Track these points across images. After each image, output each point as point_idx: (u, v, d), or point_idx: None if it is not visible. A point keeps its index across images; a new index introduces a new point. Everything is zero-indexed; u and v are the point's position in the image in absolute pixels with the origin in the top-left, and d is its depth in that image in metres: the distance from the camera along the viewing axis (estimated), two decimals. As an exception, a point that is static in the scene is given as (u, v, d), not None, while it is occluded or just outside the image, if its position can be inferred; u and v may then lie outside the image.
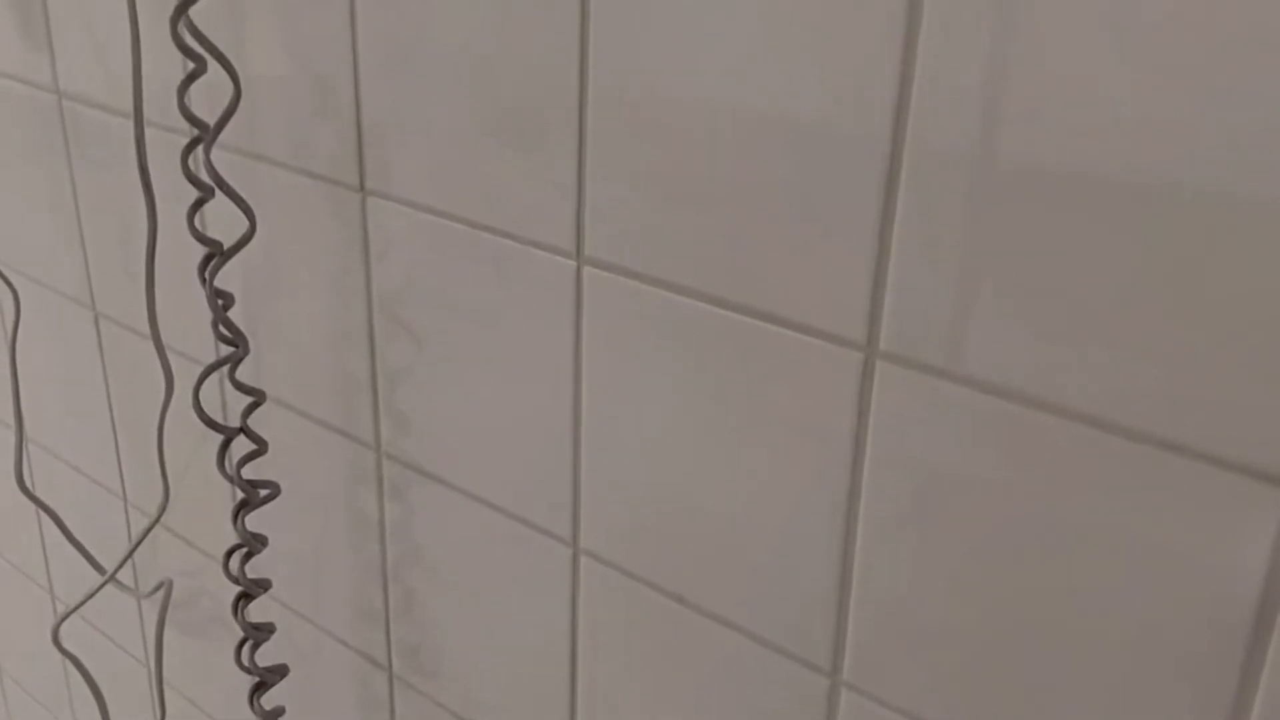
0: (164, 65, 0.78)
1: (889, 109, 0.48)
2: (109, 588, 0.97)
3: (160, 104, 0.81)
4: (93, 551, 1.03)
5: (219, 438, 0.76)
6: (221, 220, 0.79)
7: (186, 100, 0.66)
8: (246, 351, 0.74)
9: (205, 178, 0.69)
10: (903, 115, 0.48)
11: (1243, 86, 0.40)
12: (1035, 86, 0.44)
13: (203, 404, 0.74)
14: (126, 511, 1.06)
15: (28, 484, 1.00)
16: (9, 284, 0.97)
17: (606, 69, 0.57)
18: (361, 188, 0.71)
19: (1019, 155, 0.45)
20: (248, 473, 0.78)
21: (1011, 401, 0.48)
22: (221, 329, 0.73)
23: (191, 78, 0.66)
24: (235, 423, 0.78)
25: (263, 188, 0.77)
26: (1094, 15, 0.42)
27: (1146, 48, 0.41)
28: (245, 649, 0.80)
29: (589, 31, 0.57)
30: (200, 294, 0.74)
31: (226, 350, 0.75)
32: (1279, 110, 0.39)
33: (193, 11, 0.65)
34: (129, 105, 0.84)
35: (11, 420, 1.09)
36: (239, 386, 0.75)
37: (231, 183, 0.74)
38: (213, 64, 0.67)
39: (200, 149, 0.68)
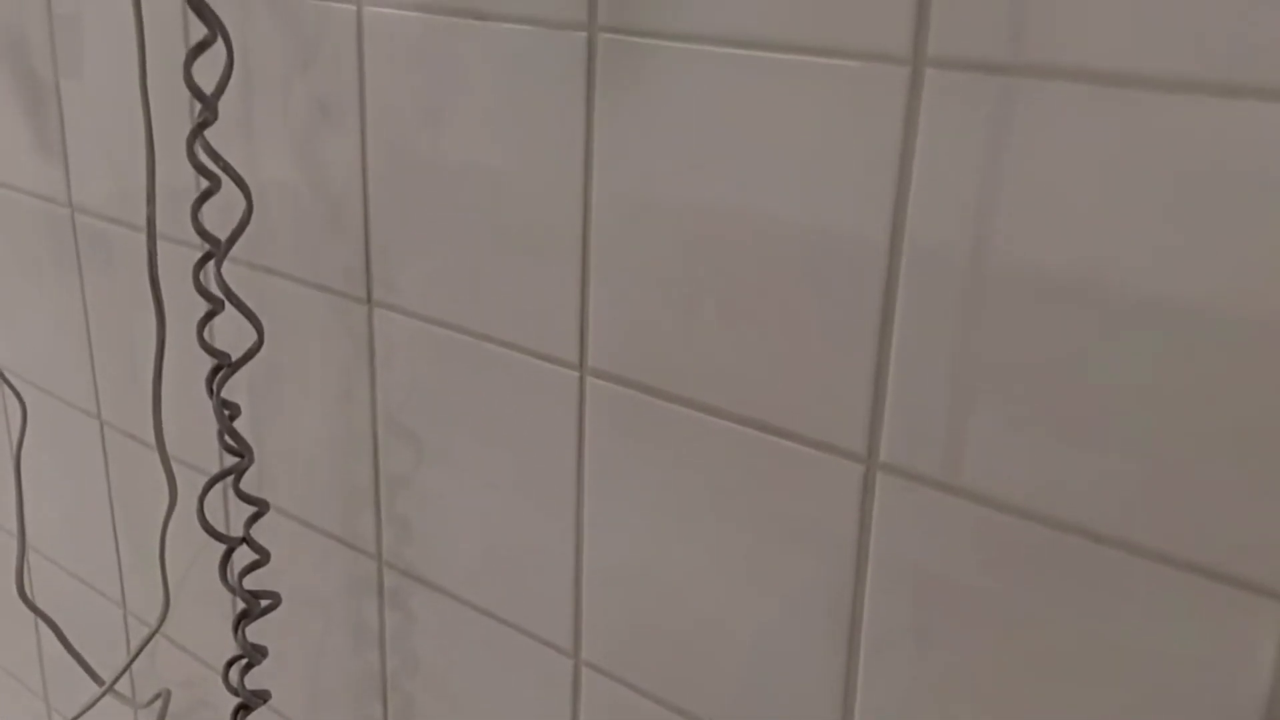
0: (177, 180, 0.81)
1: (886, 222, 0.50)
2: (107, 698, 0.96)
3: (172, 217, 0.83)
4: (90, 660, 1.01)
5: (221, 547, 0.76)
6: (229, 330, 0.80)
7: (200, 217, 0.68)
8: (251, 461, 0.75)
9: (216, 291, 0.70)
10: (899, 229, 0.49)
11: (1232, 213, 0.41)
12: (1027, 202, 0.46)
13: (206, 513, 0.74)
14: (126, 620, 1.05)
15: (27, 592, 0.99)
16: (16, 393, 0.98)
17: (610, 183, 0.59)
18: (369, 300, 0.73)
19: (1013, 271, 0.46)
20: (249, 583, 0.78)
21: (1010, 514, 0.49)
22: (227, 439, 0.74)
23: (205, 195, 0.68)
24: (238, 532, 0.78)
25: (271, 299, 0.78)
26: (1088, 143, 0.44)
27: (1138, 175, 0.43)
28: (242, 763, 0.79)
29: (593, 146, 0.59)
30: (206, 403, 0.74)
31: (231, 460, 0.75)
32: (1265, 230, 0.41)
33: (208, 130, 0.67)
34: (142, 219, 0.86)
35: (14, 528, 1.09)
36: (243, 497, 0.75)
37: (240, 294, 0.76)
38: (226, 180, 0.69)
39: (211, 264, 0.70)
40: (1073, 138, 0.44)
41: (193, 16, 0.68)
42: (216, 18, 0.67)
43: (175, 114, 0.80)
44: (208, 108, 0.67)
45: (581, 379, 0.63)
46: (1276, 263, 0.40)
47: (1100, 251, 0.44)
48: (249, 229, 0.74)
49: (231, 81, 0.72)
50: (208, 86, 0.70)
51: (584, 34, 0.57)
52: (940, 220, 0.48)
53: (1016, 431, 0.48)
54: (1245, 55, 0.40)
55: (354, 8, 0.67)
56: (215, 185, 0.68)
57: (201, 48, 0.66)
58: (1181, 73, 0.41)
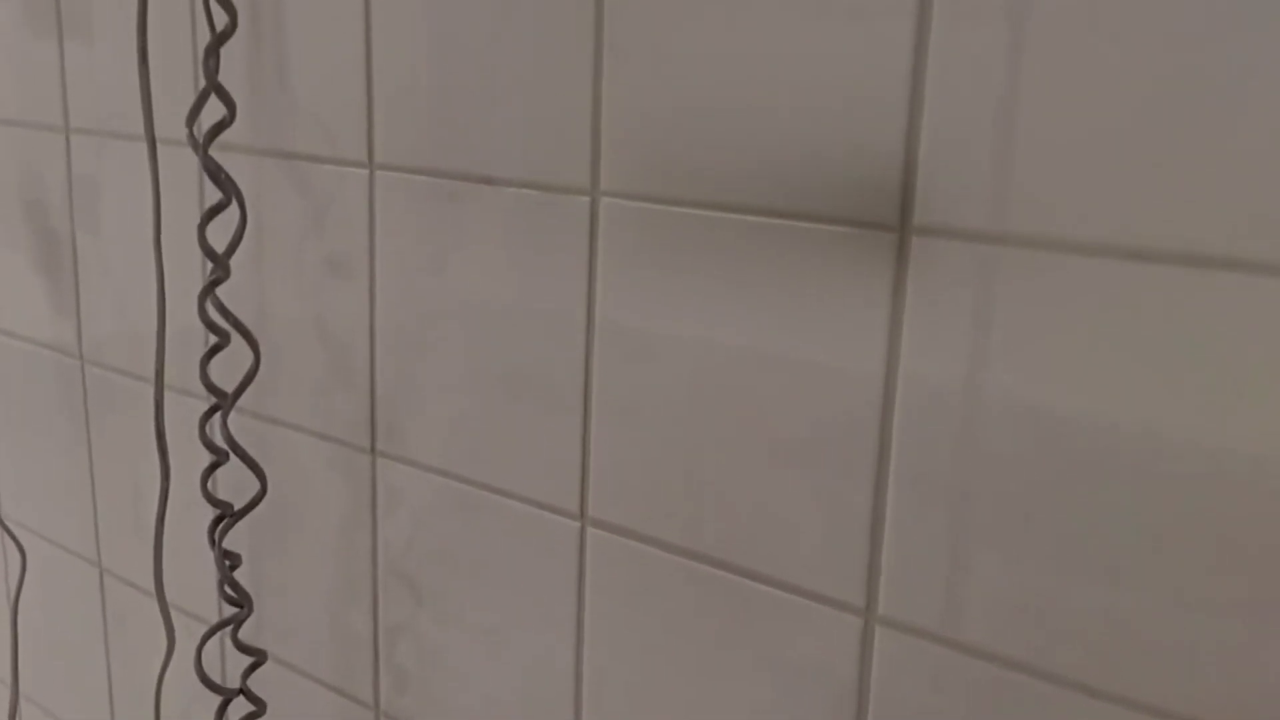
0: (187, 332, 0.83)
1: (878, 396, 0.51)
2: None
3: (181, 369, 0.84)
4: (77, 818, 0.99)
5: (217, 697, 0.75)
6: (232, 479, 0.81)
7: (208, 371, 0.70)
8: (250, 611, 0.75)
9: (221, 443, 0.71)
10: (890, 398, 0.51)
11: (1211, 368, 0.43)
12: (1017, 379, 0.47)
13: (203, 662, 0.74)
14: (115, 773, 1.03)
15: (17, 746, 0.97)
16: (16, 541, 0.98)
17: (611, 341, 0.60)
18: (372, 450, 0.74)
19: (1003, 430, 0.48)
20: (245, 736, 0.77)
21: (1006, 668, 0.49)
22: (227, 589, 0.74)
23: (214, 350, 0.70)
24: (234, 681, 0.77)
25: (275, 448, 0.80)
26: (1070, 305, 0.46)
27: (1121, 322, 0.45)
28: None
29: (594, 305, 0.61)
30: (207, 551, 0.75)
31: (231, 610, 0.75)
32: (1235, 382, 0.42)
33: (219, 287, 0.69)
34: (151, 370, 0.88)
35: (8, 677, 1.07)
36: (241, 647, 0.75)
37: (245, 444, 0.77)
38: (235, 334, 0.71)
39: (218, 416, 0.71)
40: (1055, 301, 0.46)
41: (208, 178, 0.71)
42: (232, 183, 0.70)
43: (188, 269, 0.82)
44: (219, 266, 0.69)
45: (582, 529, 0.64)
46: (1251, 410, 0.42)
47: (1096, 403, 0.45)
48: (256, 379, 0.76)
49: (244, 238, 0.75)
50: (221, 243, 0.73)
51: (587, 199, 0.60)
52: (929, 403, 0.50)
53: (1011, 585, 0.48)
54: (1219, 230, 0.42)
55: (366, 172, 0.70)
56: (224, 340, 0.70)
57: (216, 211, 0.69)
58: (1154, 245, 0.43)
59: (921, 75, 0.48)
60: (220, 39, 0.66)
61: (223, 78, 0.71)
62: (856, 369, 0.52)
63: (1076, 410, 0.46)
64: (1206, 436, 0.43)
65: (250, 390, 0.79)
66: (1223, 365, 0.43)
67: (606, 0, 0.57)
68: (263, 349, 0.75)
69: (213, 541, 0.74)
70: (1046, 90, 0.45)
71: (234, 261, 0.78)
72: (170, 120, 0.80)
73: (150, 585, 0.92)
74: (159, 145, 0.77)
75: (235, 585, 0.74)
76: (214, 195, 0.75)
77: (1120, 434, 0.45)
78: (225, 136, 0.75)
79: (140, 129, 0.80)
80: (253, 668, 0.77)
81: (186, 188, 0.81)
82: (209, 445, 0.72)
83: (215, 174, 0.68)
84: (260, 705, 0.77)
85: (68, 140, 0.90)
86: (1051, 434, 0.47)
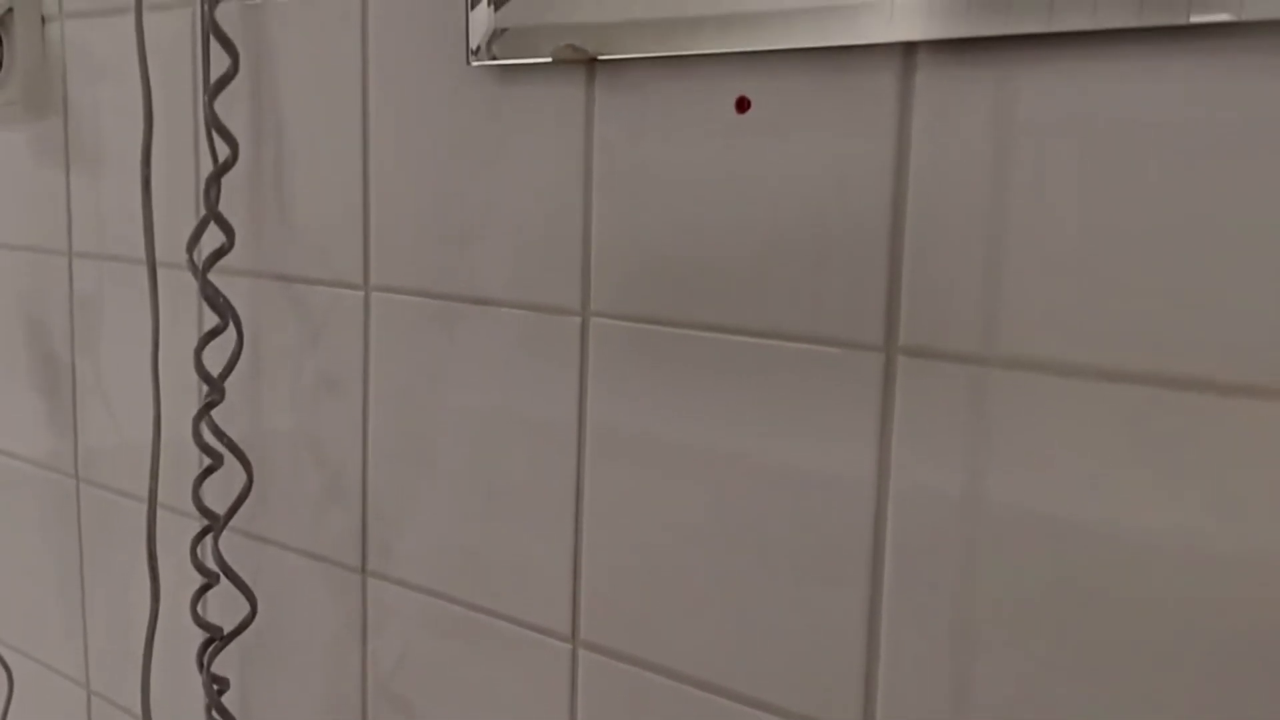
0: (182, 453, 0.83)
1: (870, 509, 0.51)
2: None
3: (174, 488, 0.84)
4: None
5: (203, 831, 0.74)
6: (222, 599, 0.80)
7: (201, 492, 0.70)
8: (238, 738, 0.73)
9: (212, 565, 0.71)
10: (882, 511, 0.51)
11: (1202, 476, 0.43)
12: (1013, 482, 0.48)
13: (189, 795, 0.72)
14: None
15: None
16: (3, 663, 0.97)
17: (602, 452, 0.61)
18: (363, 569, 0.73)
19: (998, 540, 0.48)
20: None
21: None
22: (215, 715, 0.73)
23: (208, 471, 0.70)
24: (220, 812, 0.76)
25: (266, 568, 0.79)
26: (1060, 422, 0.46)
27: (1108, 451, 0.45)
28: None
29: (586, 424, 0.61)
30: (195, 675, 0.74)
31: (218, 737, 0.74)
32: (1217, 484, 0.42)
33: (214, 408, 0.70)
34: (144, 489, 0.88)
35: (-14, 806, 1.05)
36: (228, 775, 0.73)
37: (236, 564, 0.77)
38: (229, 454, 0.71)
39: (209, 538, 0.71)
40: (1042, 419, 0.46)
41: (206, 303, 0.72)
42: (230, 307, 0.71)
43: (184, 390, 0.83)
44: (215, 390, 0.70)
45: (574, 652, 0.63)
46: (1238, 518, 0.42)
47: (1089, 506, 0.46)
48: (248, 498, 0.76)
49: (241, 358, 0.76)
50: (217, 364, 0.74)
51: (578, 319, 0.61)
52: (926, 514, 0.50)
53: (1014, 693, 0.48)
54: (1208, 353, 0.43)
55: (361, 294, 0.71)
56: (218, 462, 0.70)
57: (213, 335, 0.70)
58: (1137, 367, 0.44)
59: (903, 198, 0.49)
60: (222, 170, 0.68)
61: (223, 203, 0.73)
62: (848, 481, 0.52)
63: (1074, 520, 0.46)
64: (1199, 544, 0.43)
65: (243, 509, 0.79)
66: (1209, 478, 0.43)
67: (596, 139, 0.59)
68: (256, 468, 0.76)
69: (201, 665, 0.73)
70: (1030, 220, 0.46)
71: (230, 382, 0.79)
72: (171, 245, 0.82)
73: (138, 708, 0.90)
74: (159, 269, 0.79)
75: (224, 711, 0.73)
76: (211, 318, 0.76)
77: (1117, 543, 0.45)
78: (224, 260, 0.77)
79: (141, 253, 0.82)
80: (239, 797, 0.75)
81: (185, 310, 0.82)
82: (200, 568, 0.72)
83: (213, 300, 0.69)
84: (246, 836, 0.75)
85: (70, 264, 0.92)
86: (1050, 543, 0.47)
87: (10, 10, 0.85)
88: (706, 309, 0.56)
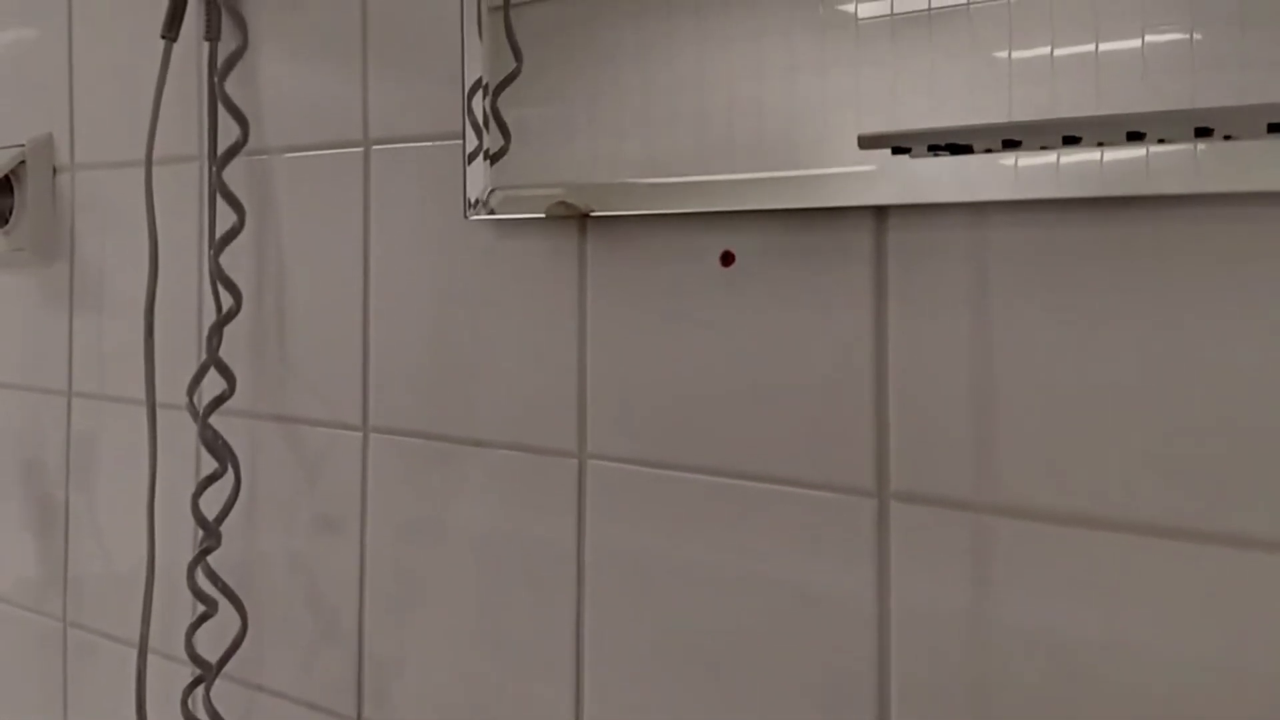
0: (175, 599, 0.82)
1: (873, 639, 0.52)
2: None
3: (166, 634, 0.83)
4: None
5: None
6: (213, 749, 0.79)
7: (194, 641, 0.69)
8: None
9: (203, 716, 0.70)
10: (885, 641, 0.51)
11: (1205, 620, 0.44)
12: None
13: None
14: None
15: None
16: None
17: (600, 588, 0.61)
18: (358, 717, 0.72)
19: (995, 665, 0.48)
20: None
21: None
22: None
23: (202, 618, 0.70)
24: None
25: (259, 718, 0.78)
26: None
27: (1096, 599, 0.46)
28: None
29: (584, 551, 0.61)
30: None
31: None
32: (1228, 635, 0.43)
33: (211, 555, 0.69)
34: (134, 634, 0.87)
35: None
36: None
37: (227, 714, 0.75)
38: (223, 600, 0.71)
39: (201, 688, 0.70)
40: (1033, 561, 0.47)
41: (205, 448, 0.73)
42: (229, 450, 0.72)
43: (179, 533, 0.83)
44: (210, 535, 0.70)
45: (571, 803, 0.62)
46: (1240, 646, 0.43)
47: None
48: (242, 644, 0.76)
49: (238, 500, 0.76)
50: (214, 506, 0.74)
51: (575, 461, 0.62)
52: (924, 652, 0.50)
53: None
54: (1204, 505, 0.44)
55: (360, 434, 0.72)
56: (212, 609, 0.70)
57: (211, 480, 0.70)
58: (1129, 517, 0.45)
59: (884, 350, 0.51)
60: (225, 319, 0.70)
61: (225, 348, 0.74)
62: (849, 609, 0.52)
63: (1073, 658, 0.46)
64: (1201, 678, 0.43)
65: (236, 656, 0.78)
66: (1198, 619, 0.44)
67: (589, 290, 0.61)
68: (250, 613, 0.75)
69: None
70: (1012, 372, 0.48)
71: (226, 524, 0.79)
72: (171, 387, 0.83)
73: None
74: (159, 410, 0.79)
75: None
76: (210, 461, 0.77)
77: (1117, 681, 0.45)
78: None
79: (141, 394, 0.82)
80: None
81: (183, 451, 0.83)
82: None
83: (212, 445, 0.70)
84: None
85: (69, 404, 0.93)
86: (1050, 679, 0.47)
87: (23, 162, 0.87)
88: (700, 453, 0.57)
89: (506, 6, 0.61)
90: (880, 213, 0.51)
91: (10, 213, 0.89)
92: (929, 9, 0.48)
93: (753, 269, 0.55)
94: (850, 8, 0.50)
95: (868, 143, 0.50)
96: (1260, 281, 0.43)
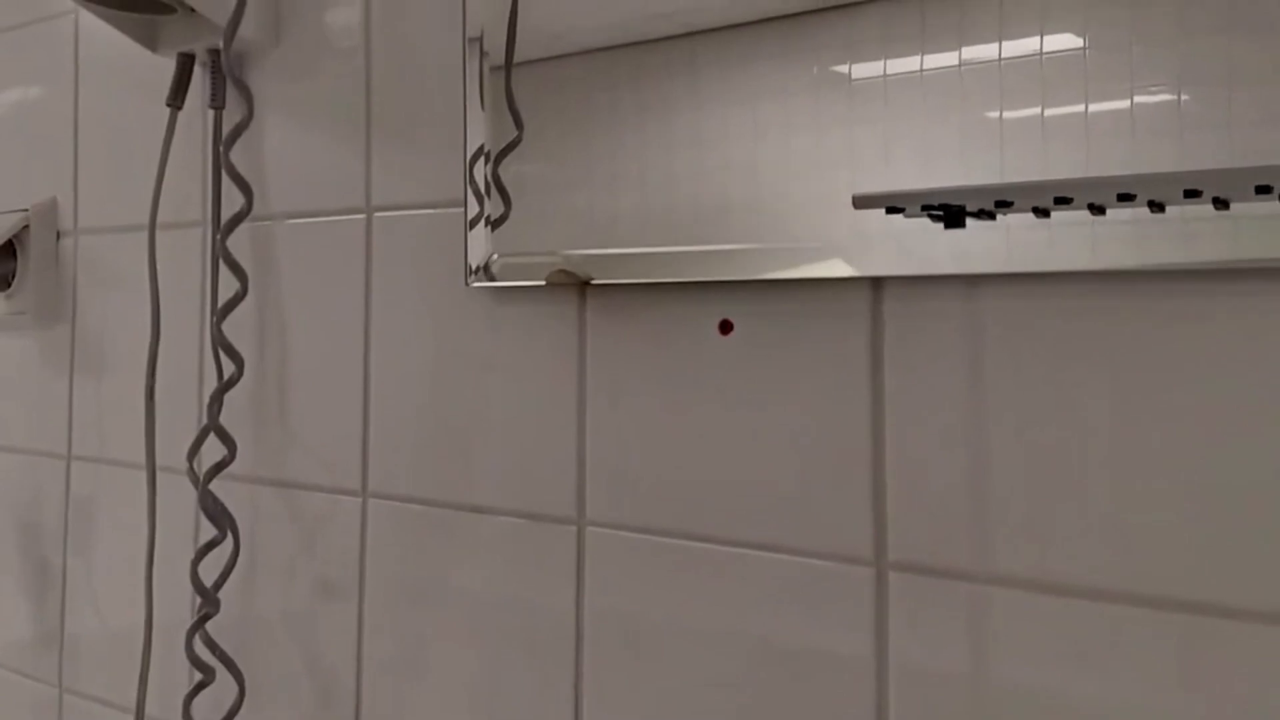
0: (173, 666, 0.82)
1: (871, 700, 0.51)
2: None
3: (163, 702, 0.83)
4: None
5: None
6: (209, 819, 0.77)
7: (191, 709, 0.69)
8: None
9: (199, 784, 0.69)
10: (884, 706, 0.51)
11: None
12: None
13: None
14: None
15: None
16: None
17: (599, 653, 0.60)
18: (354, 786, 0.71)
19: (992, 768, 0.47)
20: None
21: None
22: None
23: (199, 687, 0.69)
24: None
25: (254, 785, 0.77)
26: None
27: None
28: None
29: (583, 617, 0.61)
30: None
31: None
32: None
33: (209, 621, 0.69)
34: (131, 699, 0.86)
35: None
36: None
37: (223, 783, 0.74)
38: (220, 668, 0.70)
39: (198, 756, 0.69)
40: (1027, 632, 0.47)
41: (204, 515, 0.72)
42: (228, 516, 0.71)
43: (177, 599, 0.82)
44: (209, 602, 0.69)
45: None
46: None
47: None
48: (239, 713, 0.75)
49: (237, 567, 0.75)
50: (213, 572, 0.74)
51: (573, 527, 0.62)
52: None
53: None
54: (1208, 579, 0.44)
55: (359, 500, 0.72)
56: (209, 677, 0.69)
57: (210, 546, 0.70)
58: (1120, 588, 0.45)
59: (880, 419, 0.51)
60: (226, 386, 0.70)
61: (225, 413, 0.74)
62: (848, 677, 0.51)
63: (1071, 715, 0.46)
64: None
65: (232, 722, 0.77)
66: (1188, 687, 0.43)
67: (588, 357, 0.61)
68: (248, 679, 0.74)
69: None
70: (1010, 445, 0.48)
71: (224, 590, 0.78)
72: (171, 451, 0.83)
73: None
74: (158, 473, 0.79)
75: None
76: (209, 526, 0.77)
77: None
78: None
79: (140, 458, 0.82)
80: None
81: (182, 516, 0.83)
82: (187, 787, 0.70)
83: (212, 512, 0.70)
84: None
85: (69, 467, 0.93)
86: (1045, 773, 0.46)
87: (26, 226, 0.88)
88: (699, 521, 0.57)
89: (508, 76, 0.62)
90: (877, 283, 0.52)
91: (13, 276, 0.89)
92: (921, 70, 0.49)
93: (751, 337, 0.55)
94: (844, 68, 0.51)
95: (862, 203, 0.50)
96: (1258, 355, 0.43)
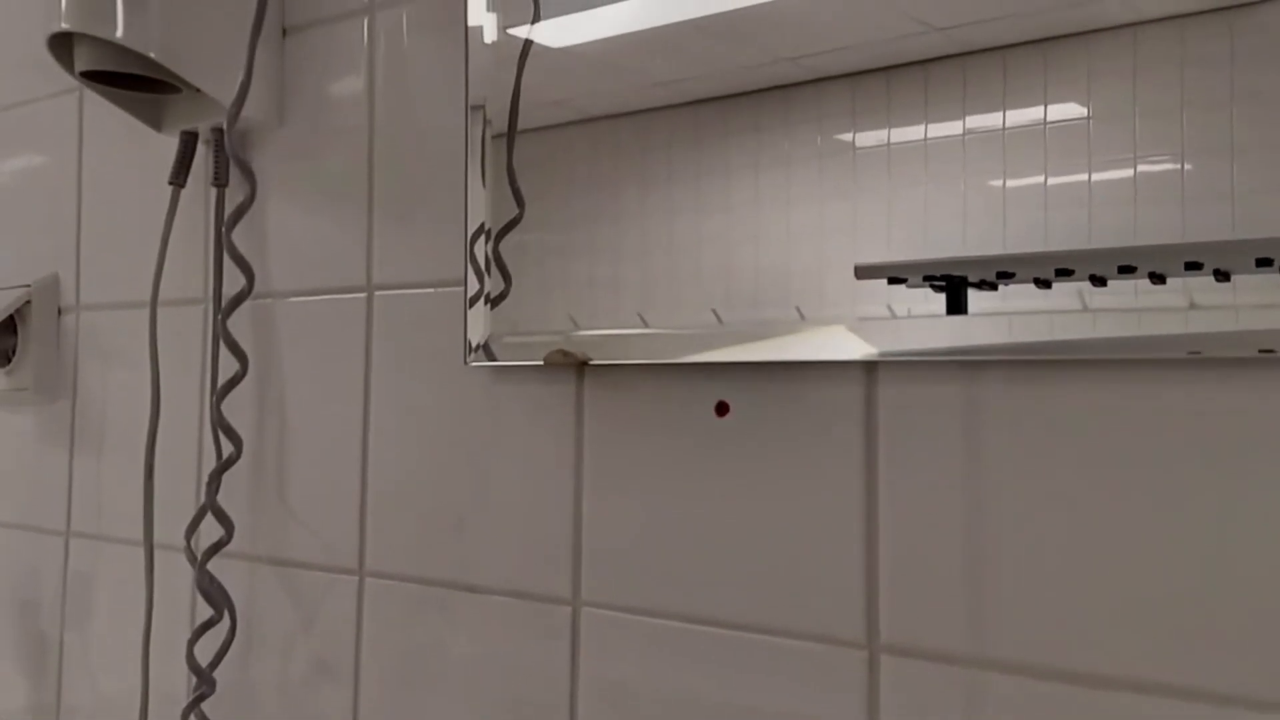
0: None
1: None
2: None
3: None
4: None
5: None
6: None
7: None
8: None
9: None
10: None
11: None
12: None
13: None
14: None
15: None
16: None
17: (598, 759, 0.59)
18: None
19: None
20: None
21: None
22: None
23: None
24: None
25: None
26: None
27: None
28: None
29: (577, 702, 0.59)
30: None
31: None
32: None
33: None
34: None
35: None
36: None
37: None
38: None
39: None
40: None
41: (201, 594, 0.71)
42: (225, 596, 0.70)
43: (174, 679, 0.81)
44: (205, 682, 0.68)
45: None
46: None
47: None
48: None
49: (233, 645, 0.74)
50: (209, 650, 0.72)
51: (569, 608, 0.60)
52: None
53: None
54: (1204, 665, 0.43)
55: (356, 579, 0.70)
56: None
57: (207, 626, 0.69)
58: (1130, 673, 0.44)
59: (874, 503, 0.50)
60: (225, 465, 0.69)
61: (223, 492, 0.73)
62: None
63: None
64: None
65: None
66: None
67: (586, 436, 0.61)
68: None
69: None
70: (1005, 529, 0.47)
71: (221, 668, 0.77)
72: (169, 528, 0.82)
73: None
74: (156, 550, 0.78)
75: None
76: (206, 606, 0.75)
77: None
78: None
79: (139, 535, 0.81)
80: None
81: (179, 594, 0.81)
82: None
83: (208, 592, 0.69)
84: None
85: (67, 543, 0.92)
86: None
87: (28, 302, 0.88)
88: (693, 602, 0.56)
89: (510, 151, 0.62)
90: (870, 367, 0.51)
91: (14, 351, 0.89)
92: (925, 139, 0.49)
93: (747, 419, 0.55)
94: (848, 137, 0.51)
95: (864, 273, 0.50)
96: (1253, 448, 0.42)
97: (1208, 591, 0.43)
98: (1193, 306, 0.42)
